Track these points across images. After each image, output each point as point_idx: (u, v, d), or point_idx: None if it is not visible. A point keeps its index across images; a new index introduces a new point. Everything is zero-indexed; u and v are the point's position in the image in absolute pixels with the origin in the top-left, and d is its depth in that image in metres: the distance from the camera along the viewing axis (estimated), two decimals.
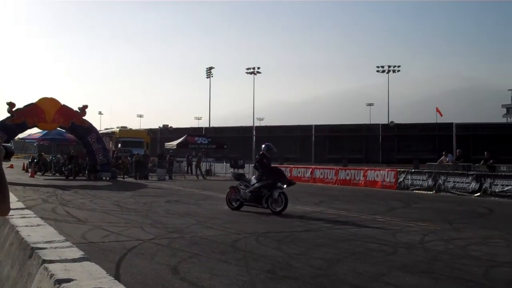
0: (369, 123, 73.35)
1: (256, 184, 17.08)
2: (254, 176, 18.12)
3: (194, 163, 41.61)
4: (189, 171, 42.15)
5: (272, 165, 18.39)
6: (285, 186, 16.89)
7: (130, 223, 13.67)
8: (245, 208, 17.15)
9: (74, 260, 3.74)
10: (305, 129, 66.73)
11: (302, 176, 34.61)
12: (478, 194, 23.26)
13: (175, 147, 42.72)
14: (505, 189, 22.42)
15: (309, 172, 34.46)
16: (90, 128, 36.34)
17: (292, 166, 38.35)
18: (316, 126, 66.45)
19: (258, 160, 17.74)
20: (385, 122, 70.62)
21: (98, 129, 44.97)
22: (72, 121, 34.82)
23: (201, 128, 77.62)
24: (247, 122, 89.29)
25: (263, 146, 18.20)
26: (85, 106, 35.82)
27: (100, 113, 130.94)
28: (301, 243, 10.96)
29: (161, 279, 7.83)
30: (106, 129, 64.48)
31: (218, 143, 45.89)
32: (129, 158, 40.27)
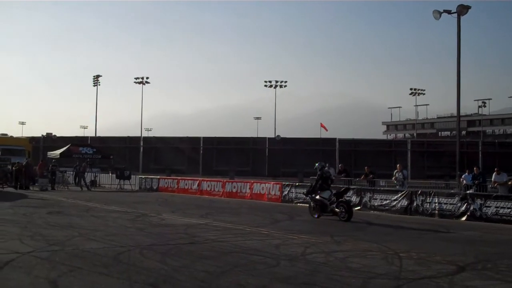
0: (256, 136, 74.34)
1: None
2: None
3: (79, 173, 40.18)
4: (76, 182, 40.78)
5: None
6: None
7: (8, 235, 13.11)
8: (131, 221, 16.82)
9: None
10: (193, 141, 66.52)
11: (190, 188, 34.54)
12: (359, 208, 24.08)
13: (58, 157, 41.37)
14: (384, 203, 23.43)
15: (196, 184, 34.41)
16: None
17: (179, 178, 38.20)
18: (204, 138, 66.41)
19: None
20: (272, 135, 71.93)
21: None
22: None
23: (87, 137, 75.42)
24: (135, 133, 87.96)
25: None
26: None
27: None
28: (186, 256, 10.94)
29: None
30: None
31: (104, 153, 44.89)
32: (9, 167, 38.52)
